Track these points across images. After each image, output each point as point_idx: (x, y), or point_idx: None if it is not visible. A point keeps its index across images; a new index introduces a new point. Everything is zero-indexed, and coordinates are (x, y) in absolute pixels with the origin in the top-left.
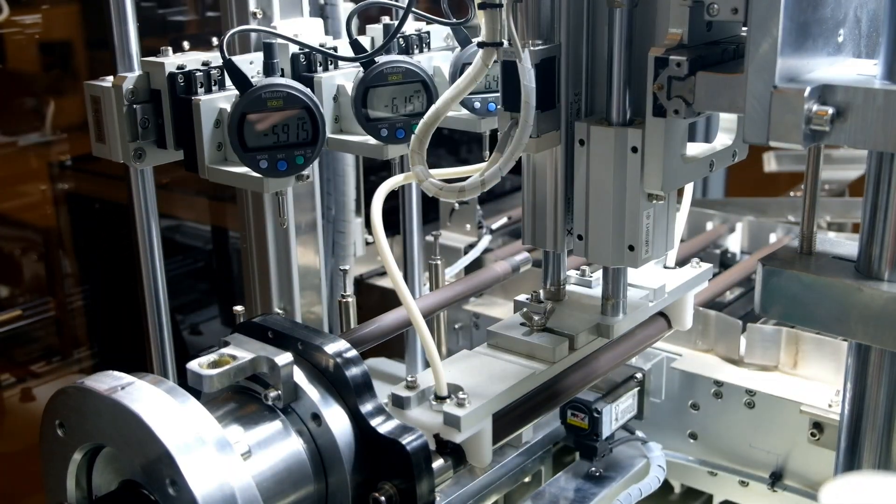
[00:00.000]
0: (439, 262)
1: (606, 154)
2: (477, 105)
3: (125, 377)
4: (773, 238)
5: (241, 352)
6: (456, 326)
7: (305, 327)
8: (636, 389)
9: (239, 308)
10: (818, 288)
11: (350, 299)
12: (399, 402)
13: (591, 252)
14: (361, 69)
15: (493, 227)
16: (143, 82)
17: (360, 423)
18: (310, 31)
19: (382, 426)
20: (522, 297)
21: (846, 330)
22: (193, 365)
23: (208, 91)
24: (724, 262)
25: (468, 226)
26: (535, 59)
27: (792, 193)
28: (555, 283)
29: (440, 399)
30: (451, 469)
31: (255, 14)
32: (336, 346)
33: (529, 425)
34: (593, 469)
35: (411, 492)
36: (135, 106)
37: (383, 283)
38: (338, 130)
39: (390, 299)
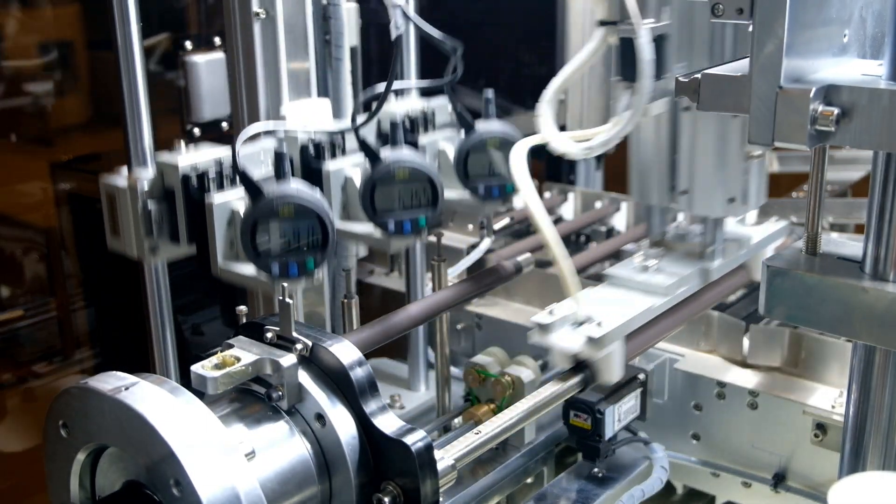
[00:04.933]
0: (442, 263)
1: (710, 118)
2: (481, 190)
3: (129, 377)
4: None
5: (245, 353)
6: (458, 327)
7: (309, 328)
8: (639, 390)
9: (242, 308)
10: (823, 289)
11: (353, 300)
12: (544, 328)
13: (695, 204)
14: (369, 163)
15: (496, 227)
16: (158, 181)
17: (364, 424)
18: (318, 114)
19: (387, 427)
20: (631, 247)
21: (851, 331)
22: (197, 367)
23: (220, 187)
24: None
25: (470, 226)
26: (651, 36)
27: (794, 194)
28: (659, 234)
29: (580, 324)
30: (455, 470)
31: (258, 14)
32: (340, 347)
33: (532, 422)
34: (596, 470)
35: (415, 492)
36: (149, 205)
37: (385, 283)
38: (345, 217)
39: (392, 300)
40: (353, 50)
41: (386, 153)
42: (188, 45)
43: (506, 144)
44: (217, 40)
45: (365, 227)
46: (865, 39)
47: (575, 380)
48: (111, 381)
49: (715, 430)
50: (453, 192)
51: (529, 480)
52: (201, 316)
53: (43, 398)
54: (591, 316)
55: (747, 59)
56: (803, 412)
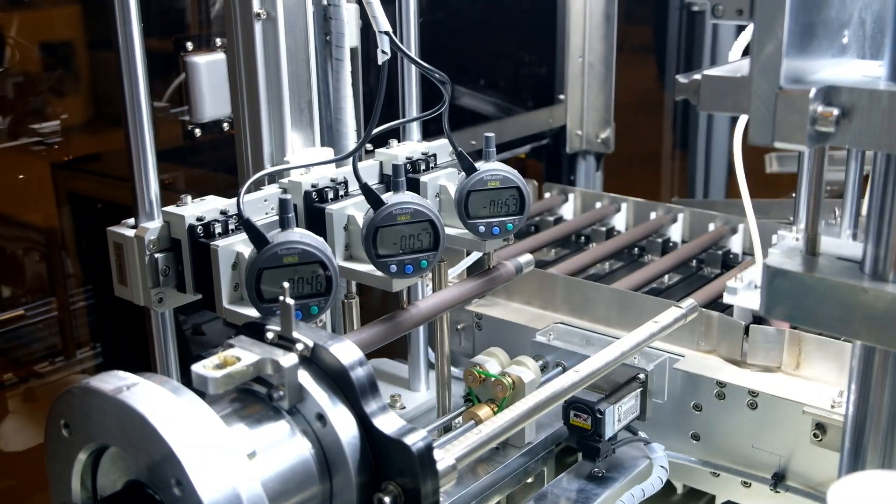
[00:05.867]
0: (442, 263)
1: None
2: (482, 229)
3: (130, 377)
4: (775, 239)
5: (246, 353)
6: (458, 327)
7: (310, 328)
8: (639, 390)
9: None
10: (823, 289)
11: (354, 300)
12: (733, 291)
13: None
14: (371, 207)
15: None
16: (164, 232)
17: (365, 424)
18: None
19: (388, 427)
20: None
21: (851, 331)
22: (198, 367)
23: (225, 236)
24: (727, 263)
25: None
26: None
27: (794, 195)
28: None
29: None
30: (455, 470)
31: (258, 15)
32: (341, 347)
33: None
34: (596, 470)
35: (416, 492)
36: (156, 255)
37: None
38: (348, 257)
39: (392, 300)
40: (353, 50)
41: (388, 196)
42: (189, 45)
43: (506, 185)
44: (218, 41)
45: (367, 267)
46: (865, 40)
47: None
48: (113, 381)
49: (715, 430)
50: (454, 230)
51: (529, 480)
52: (202, 315)
53: (44, 398)
54: None
55: (747, 60)
56: (803, 412)
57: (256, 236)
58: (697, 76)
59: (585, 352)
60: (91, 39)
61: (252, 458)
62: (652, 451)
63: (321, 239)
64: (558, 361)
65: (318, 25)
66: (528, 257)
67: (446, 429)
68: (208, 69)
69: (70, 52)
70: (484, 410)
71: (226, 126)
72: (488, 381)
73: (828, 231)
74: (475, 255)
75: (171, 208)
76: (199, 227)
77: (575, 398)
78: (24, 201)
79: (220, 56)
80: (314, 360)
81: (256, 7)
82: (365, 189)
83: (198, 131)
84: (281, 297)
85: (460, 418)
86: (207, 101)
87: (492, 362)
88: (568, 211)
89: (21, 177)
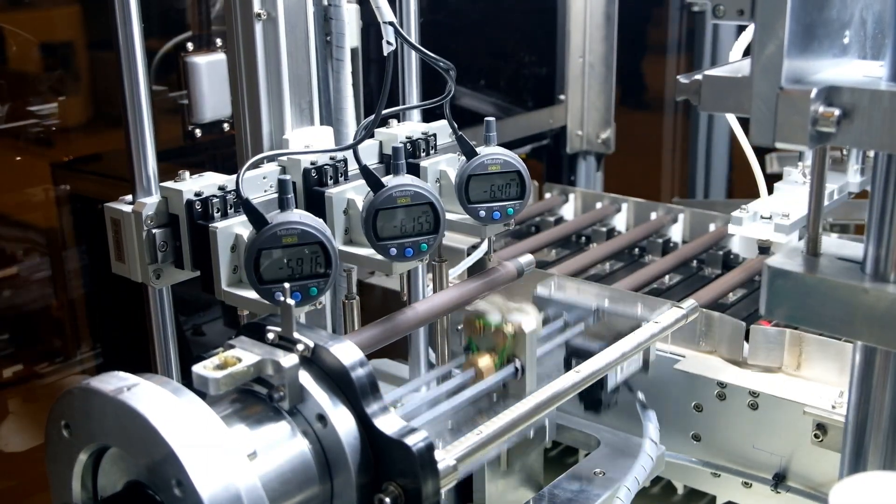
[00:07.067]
0: (443, 264)
1: None
2: (482, 214)
3: (131, 378)
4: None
5: (247, 354)
6: (459, 328)
7: (310, 328)
8: None
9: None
10: (824, 289)
11: (354, 301)
12: (738, 221)
13: None
14: (371, 190)
15: None
16: (162, 207)
17: (365, 425)
18: (321, 141)
19: (388, 427)
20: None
21: (852, 331)
22: (199, 368)
23: (224, 215)
24: (727, 263)
25: None
26: None
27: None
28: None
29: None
30: (455, 470)
31: (259, 15)
32: (341, 348)
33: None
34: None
35: (416, 493)
36: (154, 231)
37: (385, 283)
38: (347, 241)
39: (392, 300)
40: (353, 51)
41: (388, 179)
42: (189, 45)
43: (507, 169)
44: (218, 41)
45: (367, 251)
46: (866, 40)
47: None
48: (113, 382)
49: (715, 431)
50: (454, 215)
51: (530, 436)
52: (202, 316)
53: (45, 398)
54: (774, 212)
55: (748, 60)
56: (803, 412)
57: (255, 217)
58: (698, 76)
59: (588, 303)
60: (91, 39)
61: (252, 459)
62: (647, 419)
63: (320, 220)
64: (559, 314)
65: (319, 25)
66: (528, 258)
67: (444, 378)
68: (208, 69)
69: (70, 52)
70: (484, 359)
71: (226, 126)
72: (489, 329)
73: (834, 167)
74: (476, 256)
75: (168, 183)
76: (198, 202)
77: (577, 347)
78: (24, 201)
79: (220, 56)
80: (315, 361)
81: (256, 7)
82: (365, 172)
83: (198, 132)
84: (282, 298)
85: (459, 368)
86: (207, 102)
87: (493, 310)
88: (568, 211)
89: (21, 177)
